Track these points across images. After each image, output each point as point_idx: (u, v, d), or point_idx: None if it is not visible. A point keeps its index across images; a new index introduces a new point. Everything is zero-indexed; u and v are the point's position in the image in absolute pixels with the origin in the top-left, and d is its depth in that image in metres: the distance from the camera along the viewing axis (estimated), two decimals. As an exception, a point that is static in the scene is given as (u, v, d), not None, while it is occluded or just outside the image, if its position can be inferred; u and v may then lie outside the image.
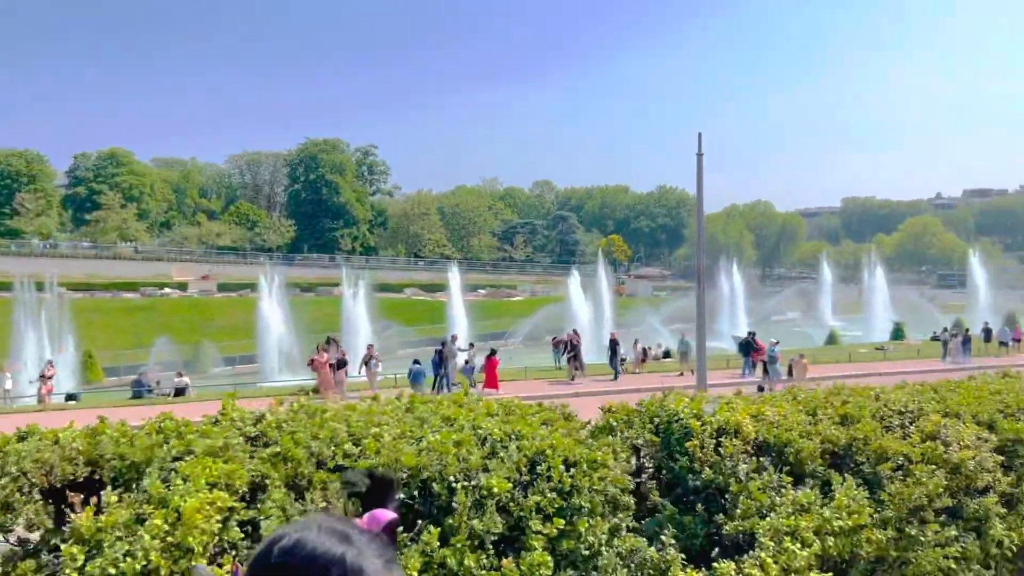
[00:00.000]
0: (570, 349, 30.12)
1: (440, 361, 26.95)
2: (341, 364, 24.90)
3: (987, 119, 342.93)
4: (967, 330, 40.61)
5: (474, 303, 76.96)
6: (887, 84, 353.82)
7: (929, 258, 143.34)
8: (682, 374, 30.95)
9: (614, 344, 31.11)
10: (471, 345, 29.49)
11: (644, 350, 33.62)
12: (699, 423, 3.26)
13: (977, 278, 70.64)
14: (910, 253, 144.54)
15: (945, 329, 39.54)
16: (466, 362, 29.04)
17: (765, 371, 29.31)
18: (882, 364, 35.78)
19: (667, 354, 38.46)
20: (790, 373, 28.22)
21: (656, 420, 3.43)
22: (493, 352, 29.22)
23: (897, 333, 55.10)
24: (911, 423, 3.75)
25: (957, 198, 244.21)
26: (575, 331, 34.29)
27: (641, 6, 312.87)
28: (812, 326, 68.27)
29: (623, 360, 32.69)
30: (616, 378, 30.20)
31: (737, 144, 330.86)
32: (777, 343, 31.06)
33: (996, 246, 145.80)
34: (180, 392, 28.35)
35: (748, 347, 31.80)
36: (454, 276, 59.75)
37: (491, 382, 28.23)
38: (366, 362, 26.34)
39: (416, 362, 25.12)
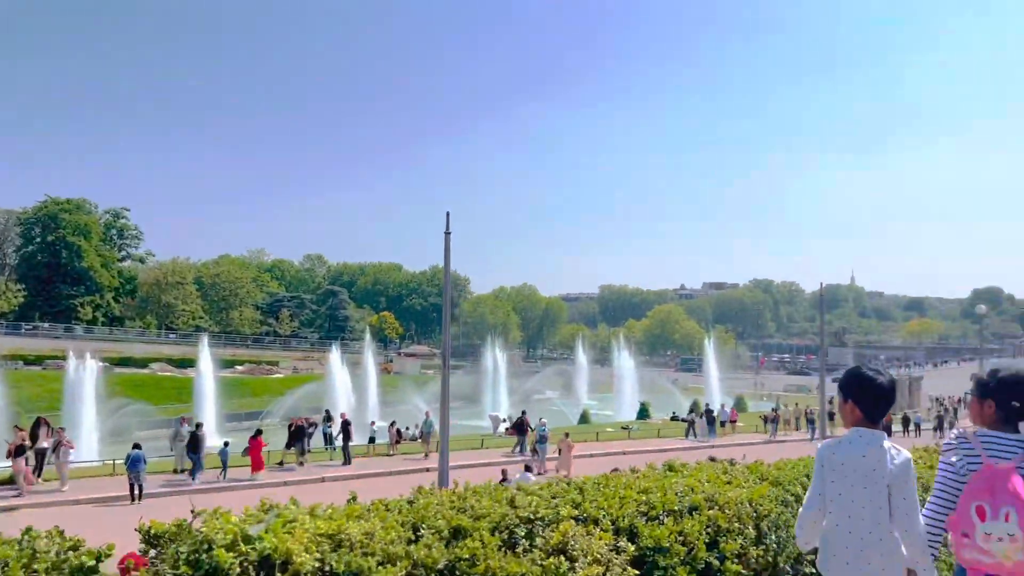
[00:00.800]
0: (296, 432, 28.66)
1: (194, 445, 24.64)
2: (19, 451, 21.55)
3: (725, 218, 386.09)
4: (711, 410, 44.21)
5: (230, 380, 72.18)
6: (641, 180, 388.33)
7: (673, 343, 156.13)
8: (426, 455, 30.64)
9: (345, 425, 29.98)
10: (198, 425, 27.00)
11: (398, 431, 32.77)
12: (232, 555, 2.34)
13: (711, 362, 77.12)
14: (657, 337, 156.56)
15: (691, 410, 42.54)
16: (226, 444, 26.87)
17: (534, 450, 30.11)
18: (627, 443, 37.63)
19: (424, 435, 37.80)
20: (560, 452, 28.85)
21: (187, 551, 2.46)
22: (258, 432, 27.30)
23: (643, 412, 58.52)
24: (541, 532, 3.23)
25: (698, 289, 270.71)
26: (328, 412, 32.78)
27: (439, 97, 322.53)
28: (569, 405, 70.80)
29: (371, 441, 32.01)
30: (347, 462, 29.00)
31: (509, 229, 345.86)
32: (546, 422, 32.05)
33: (729, 333, 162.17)
34: None
35: (522, 426, 33.24)
36: (205, 350, 55.56)
37: (256, 464, 26.16)
38: (54, 448, 23.09)
39: (136, 446, 22.37)
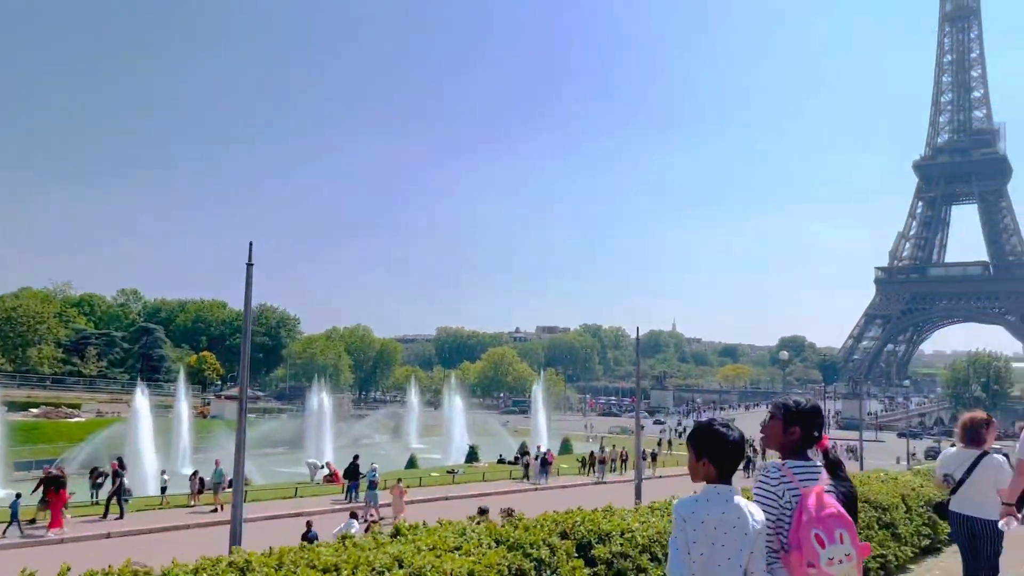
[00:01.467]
0: (96, 478, 25.97)
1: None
2: None
3: (560, 266, 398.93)
4: (547, 451, 44.77)
5: (21, 424, 65.34)
6: (482, 227, 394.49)
7: (507, 384, 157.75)
8: (218, 508, 27.97)
9: (115, 475, 27.02)
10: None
11: (200, 480, 30.34)
12: None
13: (540, 404, 78.03)
14: (491, 379, 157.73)
15: (523, 452, 42.56)
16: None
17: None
18: (451, 487, 37.03)
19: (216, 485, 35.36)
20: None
21: None
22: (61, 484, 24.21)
23: (472, 455, 58.16)
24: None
25: (531, 333, 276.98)
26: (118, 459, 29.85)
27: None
28: (398, 449, 69.29)
29: (163, 491, 29.57)
30: (120, 516, 26.10)
31: (344, 270, 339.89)
32: (376, 467, 31.21)
33: (559, 376, 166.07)
34: None
35: (355, 472, 32.35)
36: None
37: (56, 520, 23.37)
38: None
39: None
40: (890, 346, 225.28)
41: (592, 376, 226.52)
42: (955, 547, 11.41)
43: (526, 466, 41.96)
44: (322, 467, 38.56)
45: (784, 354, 75.52)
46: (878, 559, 7.67)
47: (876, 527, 7.81)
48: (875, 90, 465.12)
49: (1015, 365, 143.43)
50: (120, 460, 29.11)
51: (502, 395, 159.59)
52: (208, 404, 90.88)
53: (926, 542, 9.65)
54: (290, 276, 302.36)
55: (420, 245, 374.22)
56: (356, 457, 34.61)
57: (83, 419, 73.73)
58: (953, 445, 7.22)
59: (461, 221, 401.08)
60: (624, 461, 46.44)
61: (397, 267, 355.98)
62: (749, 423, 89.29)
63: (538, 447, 50.18)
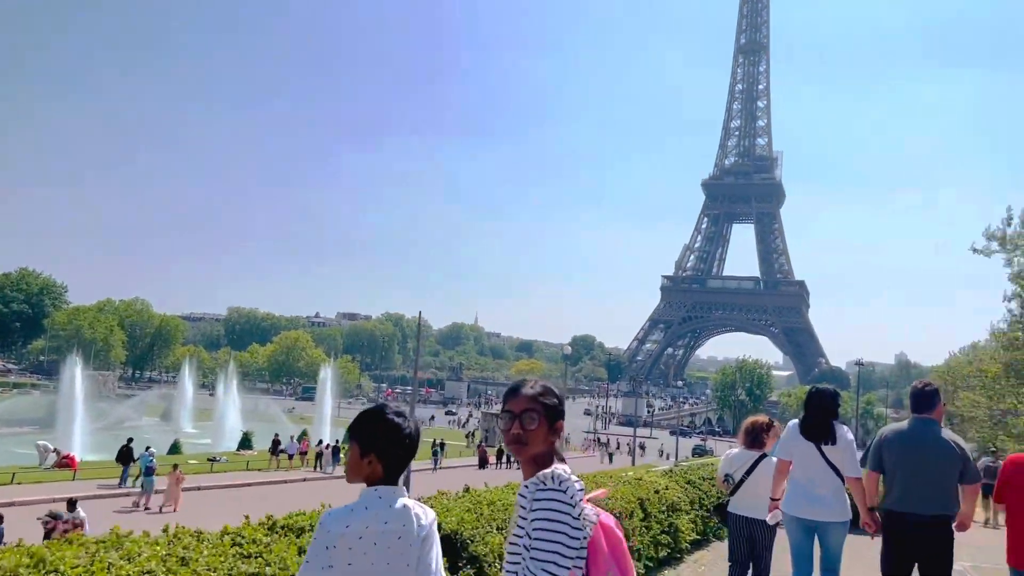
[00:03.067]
0: None
1: None
2: None
3: (364, 253, 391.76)
4: (338, 441, 43.12)
5: None
6: (283, 208, 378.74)
7: (298, 370, 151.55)
8: None
9: None
10: None
11: None
12: None
13: (327, 392, 74.96)
14: (282, 364, 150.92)
15: (277, 443, 39.79)
16: None
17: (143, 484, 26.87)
18: (208, 476, 34.07)
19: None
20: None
21: None
22: None
23: (245, 442, 54.61)
24: None
25: (331, 319, 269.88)
26: None
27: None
28: (165, 433, 63.83)
29: None
30: None
31: (125, 239, 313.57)
32: (153, 452, 28.80)
33: (355, 363, 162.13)
34: None
35: (127, 456, 30.19)
36: None
37: None
38: None
39: None
40: (670, 350, 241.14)
41: (391, 366, 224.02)
42: (696, 556, 11.09)
43: (319, 455, 40.22)
44: (53, 451, 33.94)
45: (567, 348, 77.58)
46: None
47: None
48: (678, 108, 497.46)
49: (775, 373, 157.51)
50: None
51: (293, 381, 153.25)
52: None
53: (664, 553, 8.86)
54: (59, 240, 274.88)
55: (212, 220, 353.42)
56: (130, 440, 31.75)
57: None
58: (734, 447, 7.34)
59: (259, 200, 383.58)
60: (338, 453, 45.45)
61: (186, 240, 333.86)
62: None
63: (296, 434, 47.76)
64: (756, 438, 7.09)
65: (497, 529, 5.31)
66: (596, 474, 8.93)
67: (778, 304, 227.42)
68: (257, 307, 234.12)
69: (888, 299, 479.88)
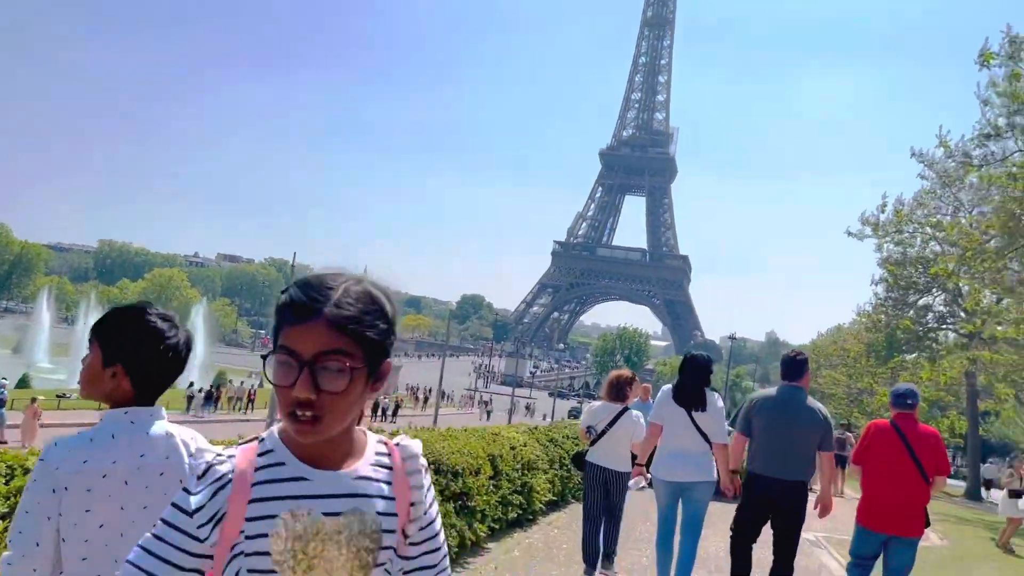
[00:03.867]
0: None
1: None
2: None
3: (247, 192, 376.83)
4: (218, 386, 42.98)
5: None
6: (152, 145, 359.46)
7: (171, 309, 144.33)
8: None
9: None
10: None
11: None
12: None
13: (199, 334, 72.06)
14: (154, 301, 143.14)
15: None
16: None
17: None
18: (56, 413, 31.75)
19: None
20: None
21: None
22: None
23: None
24: None
25: (211, 259, 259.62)
26: None
27: None
28: (15, 366, 59.62)
29: None
30: None
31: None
32: (5, 382, 27.20)
33: (232, 307, 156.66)
34: None
35: None
36: None
37: None
38: None
39: None
40: (556, 314, 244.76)
41: (270, 311, 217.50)
42: (551, 518, 10.70)
43: (189, 398, 38.61)
44: None
45: (453, 306, 77.15)
46: (450, 537, 6.02)
47: (447, 498, 6.16)
48: (583, 75, 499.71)
49: (653, 343, 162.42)
50: None
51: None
52: None
53: (514, 514, 8.38)
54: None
55: (91, 147, 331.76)
56: None
57: None
58: (598, 399, 7.53)
59: (138, 127, 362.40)
60: (250, 400, 43.91)
61: (53, 165, 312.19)
62: (417, 371, 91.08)
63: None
64: (619, 391, 7.20)
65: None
66: (449, 429, 8.31)
67: (662, 276, 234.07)
68: (131, 241, 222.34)
69: (764, 278, 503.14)
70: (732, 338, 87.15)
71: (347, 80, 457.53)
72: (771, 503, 6.02)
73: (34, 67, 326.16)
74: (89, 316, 66.94)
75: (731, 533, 6.26)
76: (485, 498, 7.11)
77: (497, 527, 7.93)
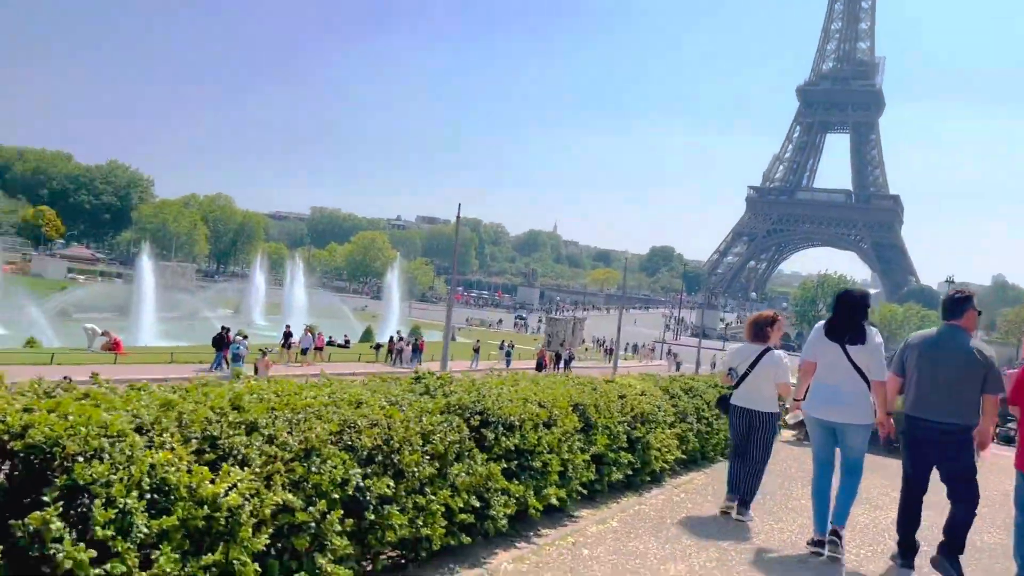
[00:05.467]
0: None
1: None
2: None
3: (445, 157, 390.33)
4: (417, 338, 46.78)
5: None
6: (370, 109, 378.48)
7: (375, 270, 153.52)
8: None
9: None
10: None
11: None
12: None
13: (394, 290, 75.74)
14: (359, 264, 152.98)
15: (307, 331, 39.67)
16: None
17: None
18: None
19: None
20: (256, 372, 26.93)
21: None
22: None
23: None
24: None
25: (411, 222, 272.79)
26: None
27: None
28: (238, 325, 65.40)
29: None
30: None
31: (214, 136, 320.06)
32: (246, 338, 30.68)
33: (430, 266, 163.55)
34: None
35: (221, 342, 31.49)
36: None
37: None
38: None
39: None
40: (752, 263, 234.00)
41: (468, 270, 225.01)
42: (687, 478, 9.43)
43: (400, 352, 41.94)
44: (101, 334, 34.42)
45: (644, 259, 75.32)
46: (498, 504, 5.08)
47: (495, 456, 5.19)
48: (773, 10, 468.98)
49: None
50: None
51: (370, 281, 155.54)
52: (29, 260, 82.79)
53: (620, 475, 7.29)
54: (147, 135, 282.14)
55: (303, 121, 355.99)
56: (224, 328, 32.96)
57: None
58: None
59: (346, 102, 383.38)
60: (418, 350, 45.08)
61: (275, 139, 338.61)
62: (605, 324, 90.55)
63: (398, 332, 49.48)
64: (760, 332, 7.21)
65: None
66: (522, 374, 7.27)
67: (869, 219, 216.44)
68: (339, 208, 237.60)
69: (989, 217, 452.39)
70: (950, 281, 78.98)
71: (530, 37, 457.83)
72: (927, 446, 5.84)
73: (252, 54, 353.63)
74: (294, 280, 71.99)
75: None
76: (568, 456, 6.05)
77: (598, 490, 6.86)
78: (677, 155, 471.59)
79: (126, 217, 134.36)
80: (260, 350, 29.58)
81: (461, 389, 5.38)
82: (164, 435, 3.11)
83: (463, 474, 4.70)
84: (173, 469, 2.93)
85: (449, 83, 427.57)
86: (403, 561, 4.61)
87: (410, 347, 43.25)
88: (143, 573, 2.72)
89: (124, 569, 2.63)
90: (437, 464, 4.50)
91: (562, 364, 50.06)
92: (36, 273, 77.56)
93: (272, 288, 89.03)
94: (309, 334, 37.88)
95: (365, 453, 3.96)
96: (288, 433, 3.63)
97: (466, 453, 4.82)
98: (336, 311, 74.78)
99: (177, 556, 2.84)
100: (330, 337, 54.20)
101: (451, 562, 4.81)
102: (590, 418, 6.64)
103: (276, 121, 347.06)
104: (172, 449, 3.03)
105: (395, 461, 4.13)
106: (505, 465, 5.20)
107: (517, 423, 5.38)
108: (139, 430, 3.08)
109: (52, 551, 2.45)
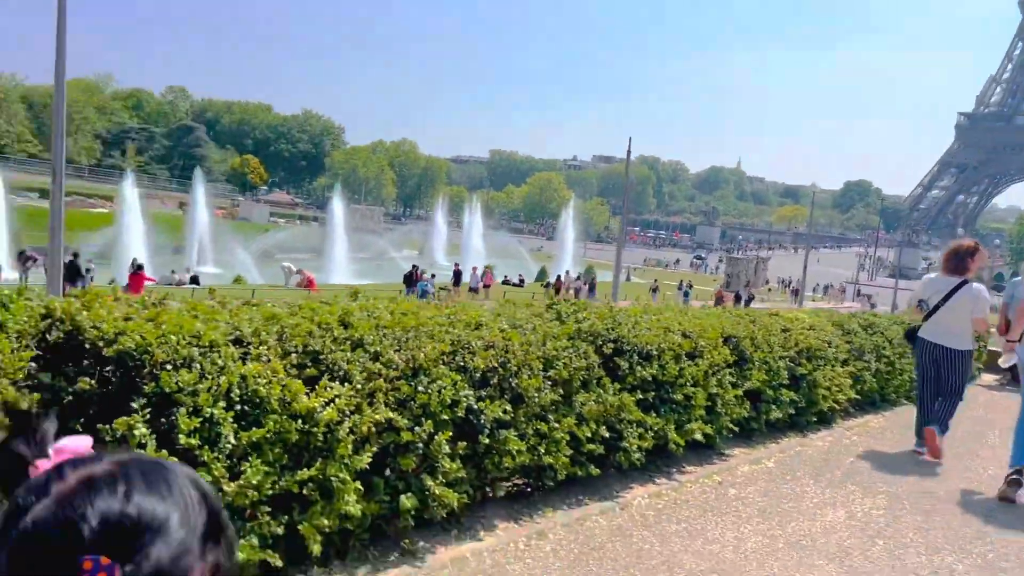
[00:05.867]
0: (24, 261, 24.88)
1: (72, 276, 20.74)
2: None
3: (622, 95, 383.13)
4: (593, 277, 47.06)
5: (41, 211, 65.49)
6: (543, 50, 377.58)
7: (551, 211, 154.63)
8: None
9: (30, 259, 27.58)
10: None
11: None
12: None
13: (568, 231, 75.94)
14: (536, 205, 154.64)
15: (476, 270, 40.88)
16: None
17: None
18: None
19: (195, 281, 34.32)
20: None
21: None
22: (139, 267, 25.26)
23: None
24: None
25: (587, 162, 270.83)
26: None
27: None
28: (421, 264, 68.37)
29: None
30: None
31: (401, 84, 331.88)
32: (433, 276, 33.21)
33: (605, 206, 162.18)
34: None
35: (411, 279, 33.76)
36: (-11, 174, 48.57)
37: None
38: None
39: None
40: (961, 197, 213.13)
41: (645, 209, 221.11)
42: (861, 421, 8.62)
43: (577, 291, 41.12)
44: (296, 271, 37.03)
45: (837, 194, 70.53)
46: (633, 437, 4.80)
47: (629, 387, 4.88)
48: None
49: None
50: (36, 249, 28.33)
51: (546, 222, 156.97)
52: (237, 206, 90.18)
53: (780, 414, 6.71)
54: (338, 84, 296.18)
55: (478, 65, 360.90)
56: (415, 267, 35.40)
57: (106, 211, 73.59)
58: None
59: (523, 44, 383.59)
60: (592, 289, 44.69)
61: (454, 85, 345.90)
62: (790, 263, 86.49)
63: (567, 272, 50.13)
64: (959, 263, 6.67)
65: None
66: (664, 303, 6.83)
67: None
68: (516, 150, 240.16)
69: None
70: None
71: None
72: None
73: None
74: (474, 220, 73.96)
75: None
76: (717, 391, 5.62)
77: (754, 428, 6.37)
78: (877, 80, 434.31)
79: (320, 164, 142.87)
80: (442, 287, 31.11)
81: (595, 316, 5.08)
82: (261, 348, 3.06)
83: (591, 403, 4.43)
84: (264, 381, 2.87)
85: (624, 13, 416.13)
86: (528, 489, 4.45)
87: (587, 286, 43.44)
88: (231, 484, 2.69)
89: (210, 479, 2.60)
90: (561, 391, 4.26)
91: (742, 304, 48.28)
92: (243, 217, 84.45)
93: (453, 230, 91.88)
94: (476, 272, 39.12)
95: (479, 375, 3.79)
96: (395, 351, 3.51)
97: (595, 381, 4.55)
98: (513, 251, 76.14)
99: (268, 469, 2.79)
100: (505, 276, 55.42)
101: (580, 493, 4.60)
102: (744, 351, 6.13)
103: (454, 68, 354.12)
104: (268, 361, 2.98)
105: (512, 385, 3.93)
106: (641, 396, 4.87)
107: (655, 353, 5.02)
108: (238, 342, 3.05)
109: (135, 456, 2.43)
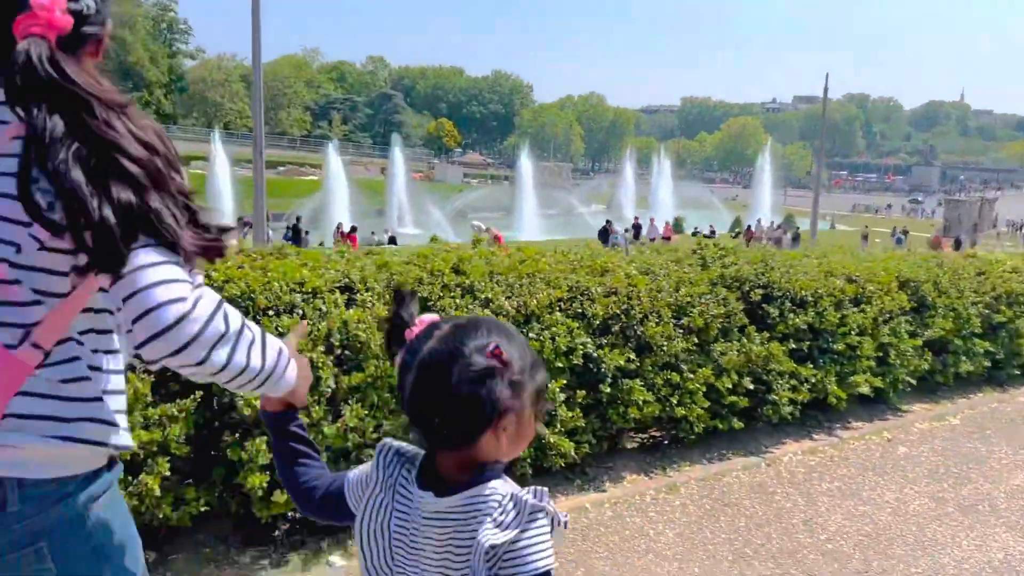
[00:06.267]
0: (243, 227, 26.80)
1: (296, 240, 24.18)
2: None
3: (823, 29, 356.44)
4: (797, 228, 44.34)
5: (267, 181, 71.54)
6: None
7: (746, 158, 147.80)
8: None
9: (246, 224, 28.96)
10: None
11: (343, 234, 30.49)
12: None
13: (765, 178, 72.34)
14: (730, 152, 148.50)
15: (653, 221, 40.06)
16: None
17: None
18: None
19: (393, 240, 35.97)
20: None
21: None
22: (353, 229, 28.13)
23: (676, 227, 55.50)
24: None
25: (787, 103, 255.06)
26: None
27: None
28: (613, 219, 68.03)
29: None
30: None
31: (582, 36, 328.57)
32: (625, 231, 33.98)
33: (807, 150, 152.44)
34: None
35: (605, 234, 33.47)
36: (217, 145, 53.72)
37: None
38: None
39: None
40: None
41: (853, 152, 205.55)
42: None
43: (778, 241, 40.84)
44: (485, 230, 37.92)
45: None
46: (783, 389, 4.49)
47: (780, 336, 4.53)
48: None
49: None
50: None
51: (743, 170, 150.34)
52: (433, 168, 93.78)
53: (970, 367, 5.99)
54: (527, 42, 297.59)
55: (665, 13, 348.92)
56: (609, 222, 35.69)
57: (316, 178, 79.09)
58: None
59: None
60: (796, 239, 41.94)
61: (642, 34, 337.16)
62: (1020, 205, 77.68)
63: (635, 218, 47.79)
64: None
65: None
66: (834, 246, 6.21)
67: None
68: (710, 96, 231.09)
69: None
70: None
71: None
72: None
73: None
74: (663, 170, 72.21)
75: None
76: (889, 340, 5.09)
77: (939, 382, 5.73)
78: None
79: (510, 123, 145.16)
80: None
81: (744, 260, 4.74)
82: (367, 295, 3.10)
83: (732, 352, 4.14)
84: (364, 327, 2.90)
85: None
86: (665, 442, 4.26)
87: (789, 235, 41.04)
88: (332, 425, 2.76)
89: (308, 421, 2.68)
90: (696, 340, 4.01)
91: (962, 250, 43.90)
92: (439, 179, 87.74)
93: (642, 182, 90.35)
94: (653, 223, 38.70)
95: (598, 322, 3.64)
96: (507, 298, 3.44)
97: (736, 329, 4.24)
98: (705, 202, 73.64)
99: (367, 412, 2.83)
100: (695, 228, 53.77)
101: (723, 448, 4.35)
102: (925, 297, 5.50)
103: (640, 16, 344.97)
104: (371, 307, 3.01)
105: (638, 333, 3.75)
106: (794, 346, 4.50)
107: (811, 299, 4.60)
108: (347, 289, 3.11)
109: (235, 400, 2.54)
